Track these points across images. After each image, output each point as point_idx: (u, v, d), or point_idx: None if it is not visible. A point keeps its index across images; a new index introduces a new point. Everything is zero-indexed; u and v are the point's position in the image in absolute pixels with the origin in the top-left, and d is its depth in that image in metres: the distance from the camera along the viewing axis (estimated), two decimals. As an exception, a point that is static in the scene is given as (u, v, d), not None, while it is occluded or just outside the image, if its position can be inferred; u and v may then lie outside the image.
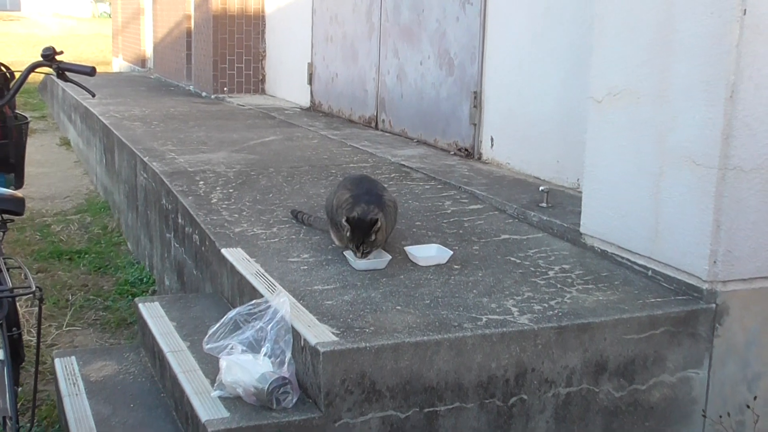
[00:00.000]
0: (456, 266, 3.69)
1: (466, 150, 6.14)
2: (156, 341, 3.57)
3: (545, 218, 4.28)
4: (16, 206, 3.59)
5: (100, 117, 8.23)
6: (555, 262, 3.77)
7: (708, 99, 3.20)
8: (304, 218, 4.28)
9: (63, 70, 3.85)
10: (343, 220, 3.58)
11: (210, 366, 3.20)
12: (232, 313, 3.14)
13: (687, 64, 3.29)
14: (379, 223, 3.55)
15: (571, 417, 3.14)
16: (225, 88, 10.50)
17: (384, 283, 3.46)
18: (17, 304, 3.73)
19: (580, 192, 4.14)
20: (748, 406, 3.37)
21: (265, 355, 2.96)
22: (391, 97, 7.35)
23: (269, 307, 3.09)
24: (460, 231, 4.24)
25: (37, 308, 3.78)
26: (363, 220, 3.55)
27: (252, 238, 4.06)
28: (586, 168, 3.89)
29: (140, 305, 3.96)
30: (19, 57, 20.98)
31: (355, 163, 5.94)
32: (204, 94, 10.77)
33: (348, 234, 3.57)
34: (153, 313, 3.83)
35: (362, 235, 3.55)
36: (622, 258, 3.71)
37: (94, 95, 4.16)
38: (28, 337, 4.68)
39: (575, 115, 4.90)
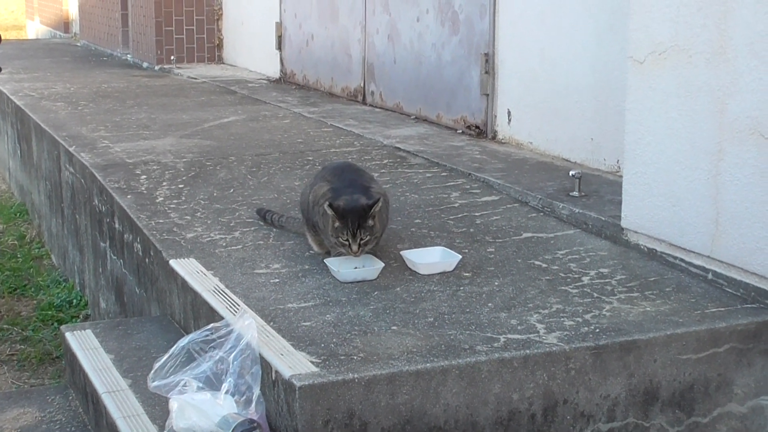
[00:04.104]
0: (466, 274, 3.71)
1: (477, 127, 6.16)
2: (89, 380, 3.58)
3: (577, 210, 4.30)
4: None
5: (11, 97, 8.22)
6: (590, 266, 3.80)
7: (778, 55, 3.23)
8: (274, 219, 4.30)
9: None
10: (326, 206, 3.60)
11: (158, 409, 3.21)
12: (184, 341, 3.15)
13: (753, 11, 3.31)
14: (379, 204, 3.60)
15: (615, 460, 3.18)
16: (172, 57, 10.50)
17: (376, 297, 3.48)
18: None
19: (621, 177, 4.16)
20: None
21: (227, 392, 2.97)
22: (382, 62, 7.36)
23: (231, 332, 3.10)
24: (471, 229, 4.27)
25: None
26: (356, 203, 3.59)
27: (209, 245, 4.08)
28: (627, 147, 3.91)
29: (68, 334, 3.96)
30: None
31: (338, 147, 5.97)
32: (145, 64, 10.77)
33: (337, 224, 3.59)
34: (85, 344, 3.84)
35: (357, 219, 3.57)
36: (675, 258, 3.73)
37: (0, 69, 4.18)
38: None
39: (614, 80, 4.92)
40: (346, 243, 3.60)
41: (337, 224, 3.59)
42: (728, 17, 3.39)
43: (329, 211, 3.59)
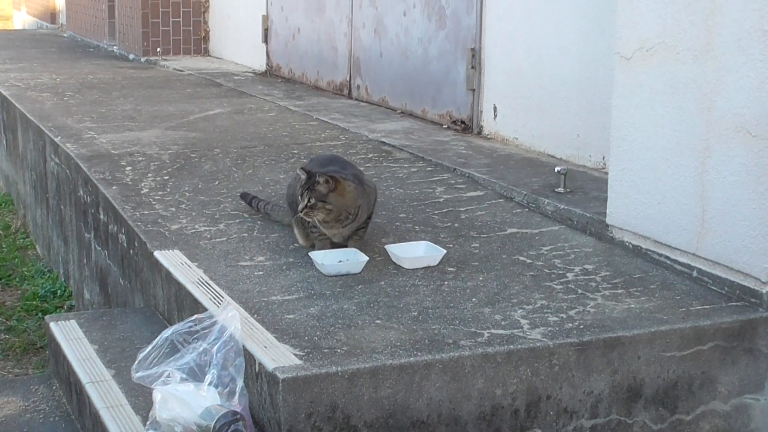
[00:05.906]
0: (450, 269, 3.69)
1: (463, 122, 6.14)
2: (72, 370, 3.56)
3: (562, 207, 4.29)
4: None
5: (-2, 87, 8.20)
6: (575, 262, 3.78)
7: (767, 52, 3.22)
8: (260, 205, 4.29)
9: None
10: (298, 169, 3.68)
11: (141, 399, 3.19)
12: (167, 332, 3.13)
13: (741, 8, 3.29)
14: (345, 187, 3.65)
15: (598, 456, 3.16)
16: (158, 49, 10.46)
17: (360, 291, 3.46)
18: None
19: (606, 173, 4.15)
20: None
21: (210, 384, 2.96)
22: (368, 57, 7.34)
23: (215, 323, 3.09)
24: (456, 224, 4.25)
25: None
26: (317, 169, 3.67)
27: (193, 237, 4.06)
28: (613, 143, 3.90)
29: (52, 325, 3.94)
30: None
31: (323, 141, 5.94)
32: (132, 56, 10.73)
33: (299, 189, 3.66)
34: (69, 335, 3.81)
35: (310, 185, 3.62)
36: (660, 255, 3.72)
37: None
38: None
39: (600, 76, 4.90)
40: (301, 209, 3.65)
41: (299, 189, 3.66)
42: (716, 14, 3.38)
43: (302, 174, 3.65)
